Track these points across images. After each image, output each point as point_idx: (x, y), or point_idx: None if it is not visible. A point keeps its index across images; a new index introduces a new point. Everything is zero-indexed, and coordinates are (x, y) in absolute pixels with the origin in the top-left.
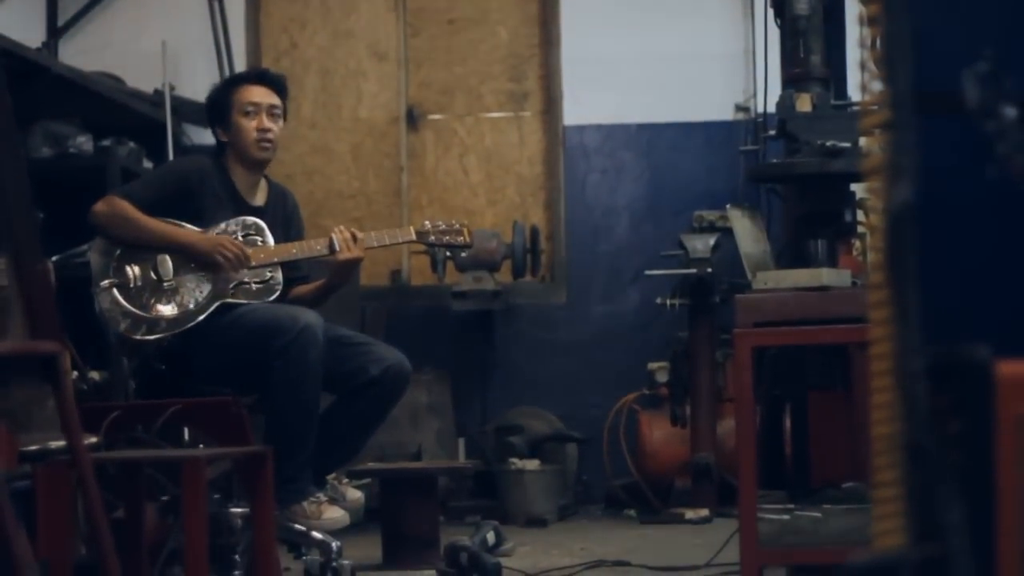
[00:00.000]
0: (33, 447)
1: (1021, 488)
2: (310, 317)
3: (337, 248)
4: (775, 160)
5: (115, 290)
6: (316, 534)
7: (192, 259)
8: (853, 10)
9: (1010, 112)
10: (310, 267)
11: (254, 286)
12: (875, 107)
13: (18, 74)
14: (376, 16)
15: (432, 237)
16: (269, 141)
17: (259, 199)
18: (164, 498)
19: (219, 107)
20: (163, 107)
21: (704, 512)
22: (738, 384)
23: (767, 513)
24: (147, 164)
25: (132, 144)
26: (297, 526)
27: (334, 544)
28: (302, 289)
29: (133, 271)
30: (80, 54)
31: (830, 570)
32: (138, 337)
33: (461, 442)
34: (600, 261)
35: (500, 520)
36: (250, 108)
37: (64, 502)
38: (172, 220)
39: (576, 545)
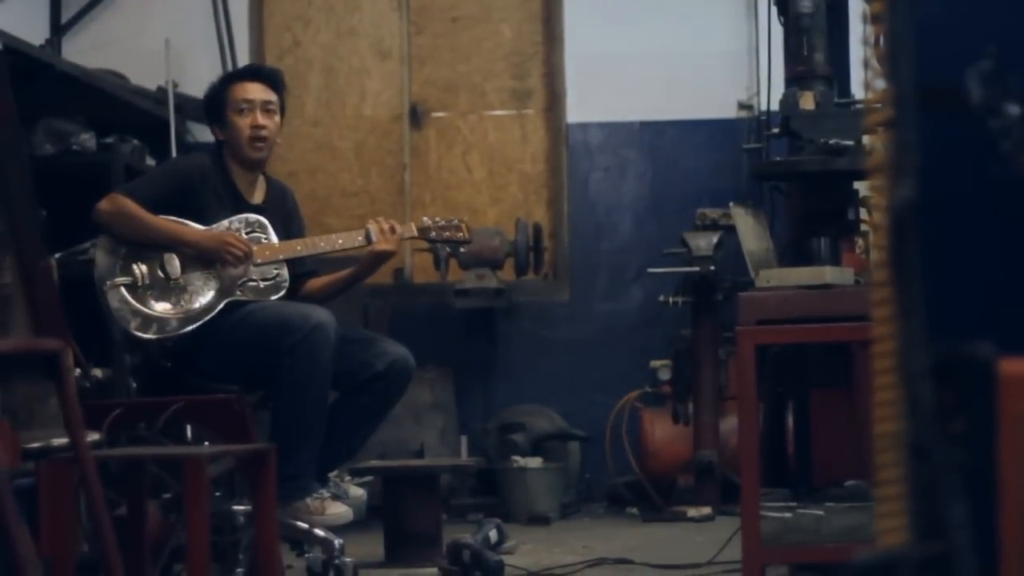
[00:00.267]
0: (36, 444)
1: None
2: (322, 315)
3: (374, 239)
4: (778, 158)
5: (123, 289)
6: (318, 532)
7: (198, 257)
8: (856, 7)
9: (1014, 110)
10: (316, 261)
11: (261, 284)
12: (878, 105)
13: (21, 71)
14: (379, 14)
15: (433, 233)
16: (263, 139)
17: (258, 197)
18: (166, 495)
19: (215, 105)
20: (166, 104)
21: (706, 510)
22: (741, 382)
23: (769, 511)
24: (150, 162)
25: (135, 141)
26: (300, 523)
27: (336, 542)
28: (319, 282)
29: (140, 269)
30: (83, 51)
31: (832, 568)
32: (149, 336)
33: (463, 440)
34: (603, 259)
35: (502, 518)
36: (244, 105)
37: (67, 499)
38: (175, 218)
39: (578, 543)
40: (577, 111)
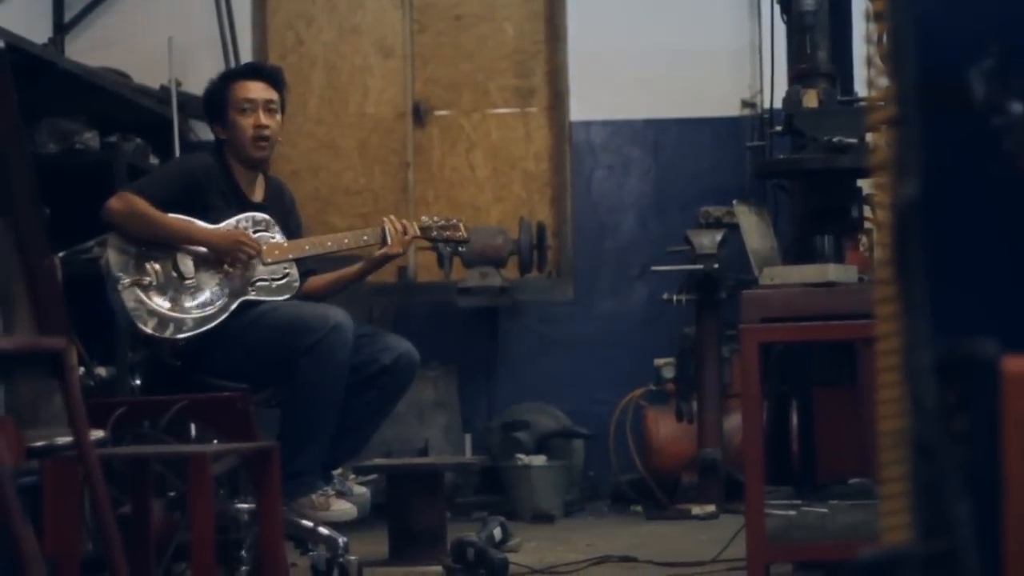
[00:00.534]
0: (40, 443)
1: None
2: (340, 316)
3: (389, 241)
4: (782, 156)
5: (138, 288)
6: (323, 530)
7: (208, 256)
8: (859, 6)
9: (1017, 108)
10: (317, 259)
11: (272, 283)
12: (881, 103)
13: (24, 70)
14: (382, 12)
15: (435, 232)
16: (265, 139)
17: (258, 195)
18: (171, 494)
19: (216, 104)
20: (169, 103)
21: (710, 508)
22: (745, 380)
23: (773, 509)
24: (153, 160)
25: (138, 140)
26: (304, 522)
27: (341, 540)
28: (320, 280)
29: (154, 268)
30: (86, 50)
31: (837, 566)
32: (166, 337)
33: (468, 438)
34: (606, 257)
35: (507, 516)
36: (246, 105)
37: (71, 498)
38: (184, 217)
39: (582, 541)
40: (580, 109)
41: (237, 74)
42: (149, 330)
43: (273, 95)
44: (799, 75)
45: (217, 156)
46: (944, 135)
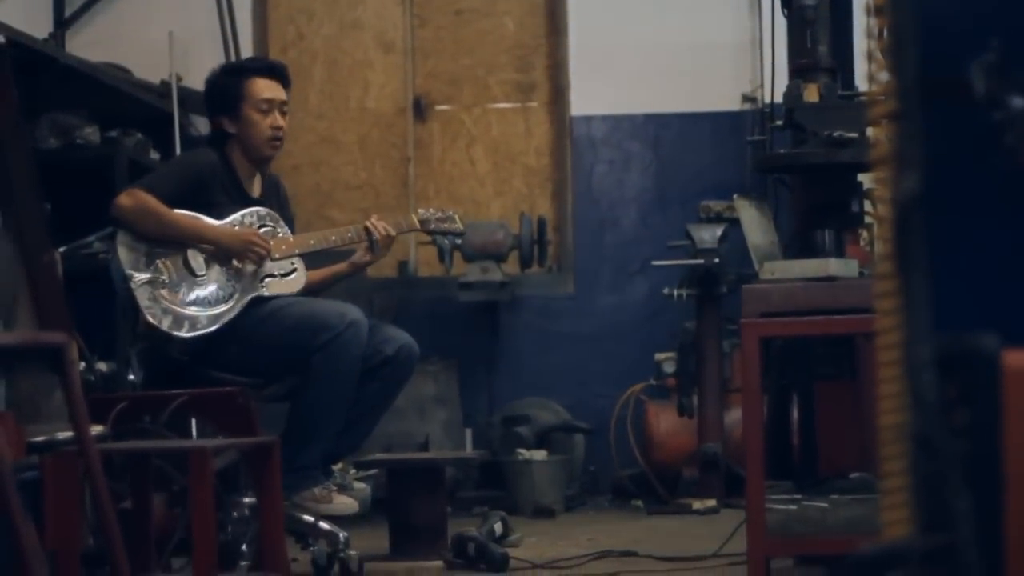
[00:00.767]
0: (41, 438)
1: None
2: (356, 313)
3: (376, 238)
4: (782, 150)
5: (151, 286)
6: (323, 525)
7: (216, 252)
8: (860, 0)
9: (1018, 102)
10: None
11: (281, 278)
12: (882, 97)
13: (25, 65)
14: (383, 7)
15: (432, 224)
16: (280, 140)
17: (256, 190)
18: (175, 487)
19: (227, 97)
20: (170, 98)
21: (711, 502)
22: (745, 374)
23: (774, 503)
24: (154, 155)
25: (139, 135)
26: (305, 516)
27: (341, 535)
28: (315, 275)
29: (166, 266)
30: (87, 45)
31: (837, 560)
32: (182, 335)
33: (468, 433)
34: (607, 252)
35: (507, 511)
36: (265, 105)
37: (71, 492)
38: (192, 214)
39: (583, 535)
40: (581, 104)
41: (252, 70)
42: (165, 328)
43: (285, 96)
44: (800, 69)
45: (219, 151)
46: (945, 129)
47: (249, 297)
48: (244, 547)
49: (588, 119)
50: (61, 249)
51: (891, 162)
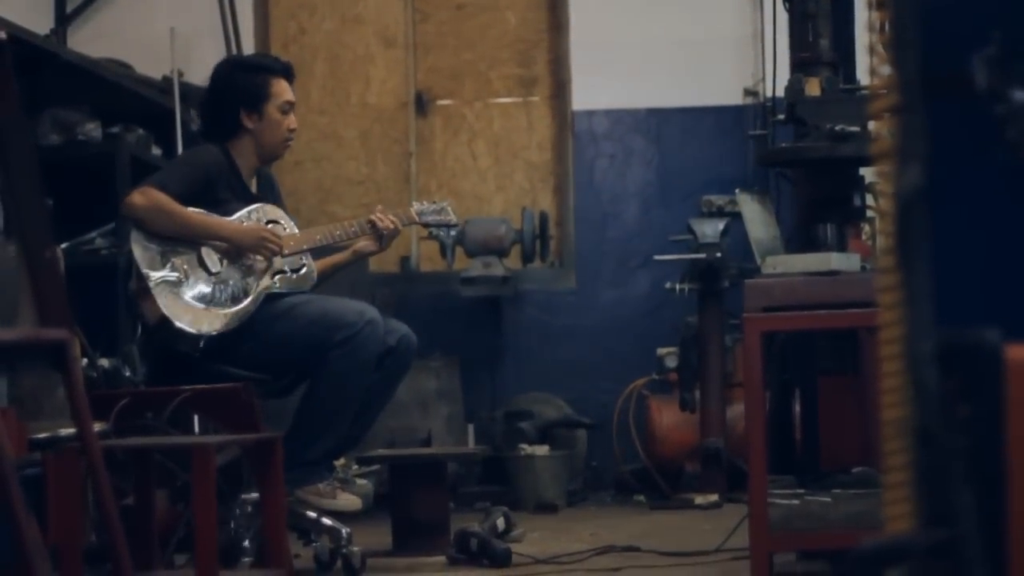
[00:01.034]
0: (43, 434)
1: None
2: (373, 312)
3: (383, 229)
4: (784, 144)
5: (168, 284)
6: (326, 520)
7: (232, 250)
8: None
9: (1019, 95)
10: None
11: (292, 274)
12: (884, 91)
13: (27, 61)
14: (384, 1)
15: (429, 217)
16: (291, 141)
17: (254, 185)
18: (177, 484)
19: (252, 93)
20: (172, 94)
21: (714, 497)
22: (747, 369)
23: (777, 498)
24: (156, 151)
25: (141, 131)
26: (308, 512)
27: (344, 530)
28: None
29: (182, 264)
30: (88, 41)
31: (840, 555)
32: (202, 332)
33: (470, 428)
34: (609, 246)
35: (510, 506)
36: (287, 107)
37: (74, 489)
38: (203, 211)
39: (586, 530)
40: (582, 98)
41: (275, 70)
42: (186, 326)
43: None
44: (801, 63)
45: (221, 147)
46: (946, 123)
47: (264, 294)
48: (246, 543)
49: (590, 113)
50: (63, 245)
51: (893, 156)
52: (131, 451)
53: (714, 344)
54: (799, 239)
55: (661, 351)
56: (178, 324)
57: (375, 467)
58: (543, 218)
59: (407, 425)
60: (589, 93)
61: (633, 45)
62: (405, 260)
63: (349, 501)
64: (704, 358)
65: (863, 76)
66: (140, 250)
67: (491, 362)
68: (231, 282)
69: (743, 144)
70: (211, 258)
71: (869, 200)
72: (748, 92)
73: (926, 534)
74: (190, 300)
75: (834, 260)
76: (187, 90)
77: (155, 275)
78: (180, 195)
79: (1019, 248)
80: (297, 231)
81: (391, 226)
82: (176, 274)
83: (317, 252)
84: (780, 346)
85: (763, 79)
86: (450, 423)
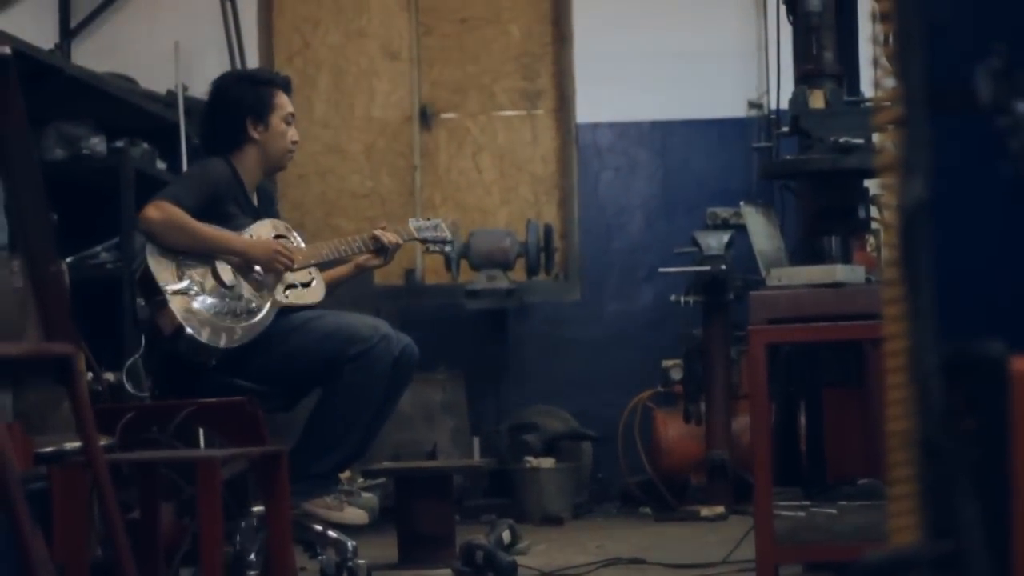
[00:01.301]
0: (48, 448)
1: None
2: (387, 328)
3: (389, 249)
4: (788, 157)
5: (185, 297)
6: (332, 533)
7: (242, 263)
8: (865, 6)
9: (1023, 108)
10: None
11: (302, 288)
12: (888, 103)
13: (31, 75)
14: (388, 15)
15: (427, 233)
16: (294, 152)
17: (255, 198)
18: (183, 498)
19: (259, 104)
20: (176, 108)
21: (719, 509)
22: (753, 381)
23: (782, 510)
24: (161, 165)
25: (145, 145)
26: (314, 526)
27: (350, 543)
28: None
29: (196, 277)
30: (93, 55)
31: (846, 567)
32: (220, 345)
33: (476, 441)
34: (614, 259)
35: (515, 518)
36: (290, 118)
37: (79, 503)
38: (216, 226)
39: (592, 543)
40: (587, 111)
41: (276, 84)
42: (204, 339)
43: None
44: (805, 76)
45: (227, 160)
46: (951, 135)
47: (276, 307)
48: (252, 556)
49: (594, 126)
50: (68, 259)
51: (897, 168)
52: (137, 465)
53: (719, 356)
54: (803, 251)
55: (666, 363)
56: (196, 335)
57: (380, 480)
58: (548, 231)
59: (412, 438)
60: (593, 106)
61: (637, 57)
62: (410, 273)
63: (356, 514)
64: (709, 370)
65: (867, 88)
66: (155, 263)
67: (496, 375)
68: (244, 295)
69: (747, 156)
70: (225, 271)
71: (873, 212)
72: (752, 104)
73: (931, 546)
74: (207, 312)
75: (839, 272)
76: (192, 104)
77: (171, 287)
78: (193, 209)
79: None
80: (304, 245)
81: (394, 241)
82: (193, 287)
83: (321, 266)
84: (785, 358)
85: (767, 91)
86: (456, 436)
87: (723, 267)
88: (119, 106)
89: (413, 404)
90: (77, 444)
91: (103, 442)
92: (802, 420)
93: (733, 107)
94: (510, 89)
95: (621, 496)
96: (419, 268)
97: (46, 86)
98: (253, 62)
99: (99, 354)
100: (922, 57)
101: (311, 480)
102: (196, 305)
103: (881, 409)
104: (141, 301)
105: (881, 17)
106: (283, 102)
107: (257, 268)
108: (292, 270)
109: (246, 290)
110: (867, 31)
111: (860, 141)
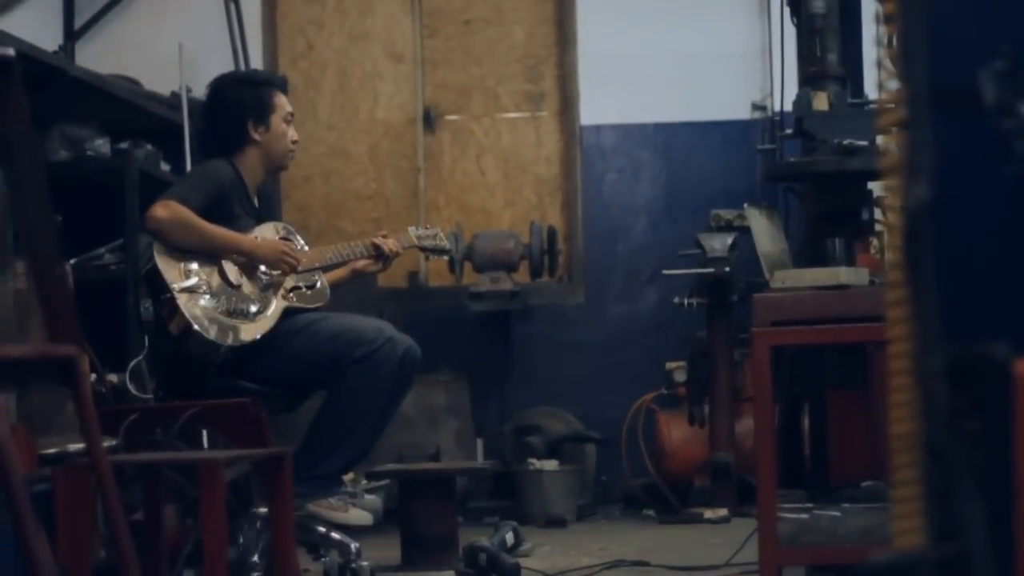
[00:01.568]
0: (52, 450)
1: None
2: (392, 330)
3: (388, 256)
4: (792, 159)
5: (193, 295)
6: (335, 535)
7: (251, 264)
8: (869, 8)
9: None
10: None
11: (307, 290)
12: (892, 105)
13: (35, 77)
14: (392, 17)
15: (426, 242)
16: (295, 152)
17: (256, 199)
18: (187, 499)
19: (259, 105)
20: (180, 109)
21: (723, 512)
22: (756, 383)
23: (786, 512)
24: (165, 167)
25: (149, 147)
26: (318, 527)
27: (353, 545)
28: None
29: (204, 276)
30: (97, 57)
31: (849, 569)
32: (228, 343)
33: (479, 443)
34: (617, 261)
35: (519, 520)
36: (289, 118)
37: (83, 505)
38: (221, 227)
39: (595, 545)
40: (591, 113)
41: (276, 85)
42: (213, 338)
43: None
44: (809, 78)
45: (229, 162)
46: (955, 137)
47: (282, 309)
48: (256, 558)
49: (598, 128)
50: (72, 261)
51: (901, 170)
52: (140, 466)
53: (723, 358)
54: (807, 253)
55: (670, 365)
56: (204, 333)
57: (384, 482)
58: (551, 233)
59: (416, 440)
60: (597, 108)
61: (641, 59)
62: (414, 275)
63: (360, 516)
64: (713, 372)
65: (871, 90)
66: (162, 261)
67: (500, 377)
68: (251, 296)
69: (751, 158)
70: (231, 271)
71: (877, 214)
72: (756, 106)
73: (935, 549)
74: (215, 311)
75: (843, 274)
76: (196, 106)
77: (179, 285)
78: (199, 209)
79: None
80: (307, 247)
81: (395, 250)
82: (200, 286)
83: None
84: (789, 360)
85: (771, 93)
86: (459, 438)
87: (727, 269)
88: (123, 108)
89: (417, 406)
90: (81, 446)
91: (107, 444)
92: (806, 422)
93: (737, 109)
94: (514, 91)
95: (624, 498)
96: (423, 270)
97: (50, 88)
98: (257, 64)
99: (103, 356)
100: (926, 59)
101: (315, 482)
102: (203, 303)
103: (885, 411)
104: (147, 300)
105: (885, 19)
106: (282, 102)
107: (263, 268)
108: (297, 272)
109: (252, 290)
110: (871, 33)
111: (864, 143)
